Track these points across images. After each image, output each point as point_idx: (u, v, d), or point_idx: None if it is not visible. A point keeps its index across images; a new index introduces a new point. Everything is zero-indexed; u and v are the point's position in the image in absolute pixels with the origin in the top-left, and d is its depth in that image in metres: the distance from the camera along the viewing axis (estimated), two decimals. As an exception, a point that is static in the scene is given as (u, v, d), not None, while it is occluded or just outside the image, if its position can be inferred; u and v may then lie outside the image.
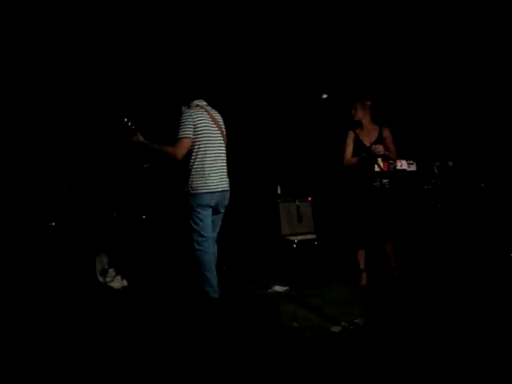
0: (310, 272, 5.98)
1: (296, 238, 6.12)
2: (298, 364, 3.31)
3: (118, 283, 5.62)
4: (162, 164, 5.50)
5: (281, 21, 6.54)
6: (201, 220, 4.52)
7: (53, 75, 6.38)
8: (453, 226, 5.14)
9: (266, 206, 6.69)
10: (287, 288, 5.74)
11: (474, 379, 3.05)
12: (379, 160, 5.22)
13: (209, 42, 6.66)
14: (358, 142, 5.59)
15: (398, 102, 6.48)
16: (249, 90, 7.09)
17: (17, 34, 5.95)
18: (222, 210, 4.73)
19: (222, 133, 4.71)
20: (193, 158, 4.52)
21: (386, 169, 5.21)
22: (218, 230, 4.80)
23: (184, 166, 4.57)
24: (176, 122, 4.57)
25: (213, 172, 4.53)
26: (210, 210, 4.58)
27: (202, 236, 4.53)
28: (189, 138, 4.48)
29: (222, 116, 4.81)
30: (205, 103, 4.72)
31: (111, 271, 5.64)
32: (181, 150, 4.47)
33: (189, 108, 4.63)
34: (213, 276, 4.53)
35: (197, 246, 4.52)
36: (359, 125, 5.64)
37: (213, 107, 4.76)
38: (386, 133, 5.56)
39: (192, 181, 4.51)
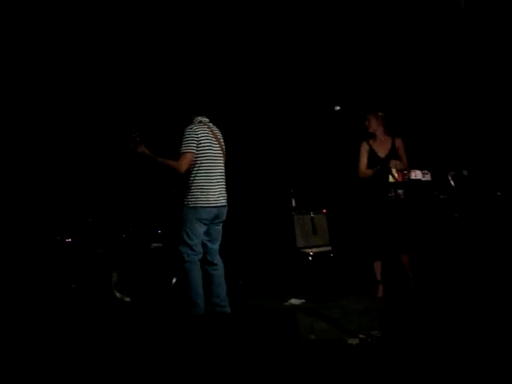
0: (326, 284, 5.94)
1: (311, 251, 6.10)
2: (315, 377, 3.29)
3: (132, 298, 5.62)
4: (163, 178, 5.57)
5: (295, 34, 6.56)
6: (194, 234, 4.61)
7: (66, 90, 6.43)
8: (470, 236, 5.10)
9: (280, 219, 6.69)
10: (303, 301, 5.72)
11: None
12: (394, 171, 5.21)
13: (218, 55, 6.68)
14: (372, 153, 5.60)
15: (412, 112, 6.45)
16: (265, 102, 7.12)
17: (21, 42, 6.00)
18: (220, 224, 4.81)
19: (222, 149, 4.82)
20: (194, 172, 4.63)
21: (400, 179, 5.20)
22: (218, 242, 4.85)
23: (185, 181, 4.68)
24: (179, 137, 4.67)
25: (213, 187, 4.65)
26: (205, 226, 4.66)
27: (193, 250, 4.61)
28: (192, 153, 4.59)
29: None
30: (207, 120, 4.83)
31: (127, 286, 5.64)
32: (184, 165, 4.57)
33: (192, 124, 4.72)
34: (199, 291, 4.57)
35: (186, 258, 4.60)
36: (372, 136, 5.64)
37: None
38: (399, 143, 5.56)
39: (193, 195, 4.62)
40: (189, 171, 4.63)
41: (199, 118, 4.78)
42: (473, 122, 6.13)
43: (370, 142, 5.61)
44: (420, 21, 6.21)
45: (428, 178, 5.13)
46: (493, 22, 5.82)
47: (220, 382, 2.95)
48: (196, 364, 3.07)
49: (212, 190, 4.64)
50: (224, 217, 4.80)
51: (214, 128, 4.84)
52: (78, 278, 5.64)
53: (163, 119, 6.37)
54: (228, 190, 4.88)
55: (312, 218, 6.37)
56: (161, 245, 5.87)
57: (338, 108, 5.18)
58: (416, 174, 5.09)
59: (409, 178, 5.13)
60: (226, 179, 4.86)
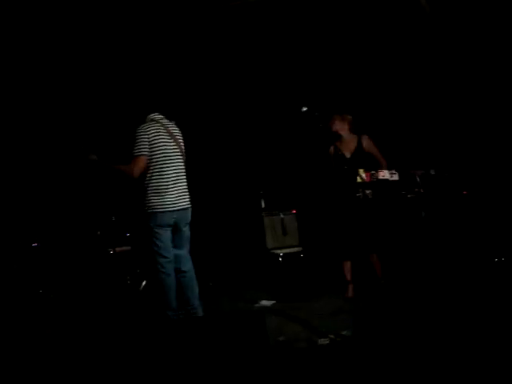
0: (296, 285, 5.94)
1: (282, 252, 6.09)
2: (286, 379, 3.28)
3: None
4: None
5: (263, 32, 6.53)
6: (160, 241, 4.43)
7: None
8: (437, 234, 5.15)
9: (250, 220, 6.68)
10: (274, 302, 5.72)
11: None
12: (361, 171, 5.22)
13: (182, 52, 6.60)
14: (336, 154, 5.62)
15: (379, 110, 6.50)
16: (234, 102, 7.08)
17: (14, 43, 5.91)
18: (184, 228, 4.58)
19: (179, 147, 4.57)
20: (149, 175, 4.41)
21: (368, 179, 5.20)
22: (187, 246, 4.67)
23: (142, 185, 4.47)
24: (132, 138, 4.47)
25: (170, 190, 4.41)
26: (169, 229, 4.46)
27: (164, 257, 4.44)
28: (144, 155, 4.36)
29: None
30: (161, 117, 4.58)
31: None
32: (136, 169, 4.35)
33: (144, 123, 4.49)
34: (173, 299, 4.46)
35: (160, 268, 4.43)
36: (337, 137, 5.65)
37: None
38: (366, 141, 5.57)
39: (149, 200, 4.41)
40: (144, 174, 4.40)
41: (151, 116, 4.54)
42: (440, 121, 6.20)
43: (337, 143, 5.64)
44: (383, 19, 6.25)
45: (396, 177, 5.16)
46: (457, 22, 5.90)
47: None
48: (166, 368, 3.04)
49: (168, 192, 4.39)
50: (187, 220, 4.58)
51: (170, 125, 4.60)
52: (46, 284, 5.55)
53: (116, 120, 6.22)
54: (196, 190, 4.75)
55: (282, 218, 6.37)
56: (129, 248, 5.80)
57: (306, 109, 5.19)
58: (384, 174, 5.11)
59: (376, 178, 5.15)
60: (193, 180, 4.69)
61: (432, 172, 5.24)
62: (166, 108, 4.67)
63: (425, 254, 5.16)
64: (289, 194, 6.95)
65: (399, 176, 5.16)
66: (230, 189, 7.01)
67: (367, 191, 5.32)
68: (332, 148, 5.67)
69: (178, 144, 4.56)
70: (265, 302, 5.70)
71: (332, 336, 4.23)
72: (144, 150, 4.36)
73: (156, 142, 4.40)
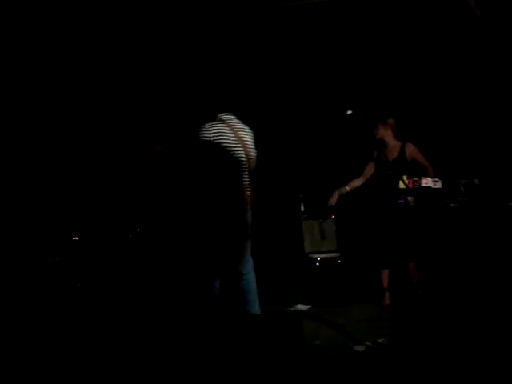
0: (333, 291, 5.90)
1: (319, 256, 6.06)
2: (321, 382, 3.25)
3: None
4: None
5: (308, 33, 6.52)
6: None
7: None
8: (479, 246, 5.05)
9: (289, 224, 6.65)
10: (310, 306, 5.70)
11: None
12: (404, 177, 5.15)
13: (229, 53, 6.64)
14: (379, 159, 5.57)
15: (424, 118, 6.42)
16: (276, 106, 7.08)
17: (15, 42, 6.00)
18: None
19: (245, 150, 4.51)
20: None
21: (411, 186, 5.14)
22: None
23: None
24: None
25: None
26: None
27: None
28: None
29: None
30: (230, 117, 4.55)
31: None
32: None
33: (210, 122, 4.48)
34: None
35: None
36: (382, 144, 5.60)
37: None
38: (410, 148, 5.50)
39: None
40: None
41: (221, 116, 4.52)
42: (485, 130, 6.09)
43: (381, 150, 5.59)
44: (434, 26, 6.17)
45: (439, 185, 5.09)
46: (508, 28, 5.78)
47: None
48: (200, 366, 3.04)
49: None
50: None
51: (239, 127, 4.56)
52: (83, 277, 5.61)
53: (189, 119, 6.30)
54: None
55: (321, 223, 6.33)
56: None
57: (350, 112, 5.15)
58: (427, 182, 5.05)
59: (419, 185, 5.09)
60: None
61: (476, 181, 5.14)
62: (236, 109, 4.63)
63: (466, 264, 5.06)
64: (328, 198, 6.89)
65: (442, 184, 5.09)
66: (270, 192, 6.98)
67: (409, 198, 5.24)
68: (375, 153, 5.63)
69: (243, 146, 4.50)
70: (301, 306, 5.68)
71: (368, 343, 4.19)
72: None
73: (217, 141, 4.34)
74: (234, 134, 4.49)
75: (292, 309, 5.63)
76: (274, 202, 7.05)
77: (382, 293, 5.57)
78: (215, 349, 3.10)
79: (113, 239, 5.85)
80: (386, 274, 5.55)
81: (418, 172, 5.34)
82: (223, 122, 4.51)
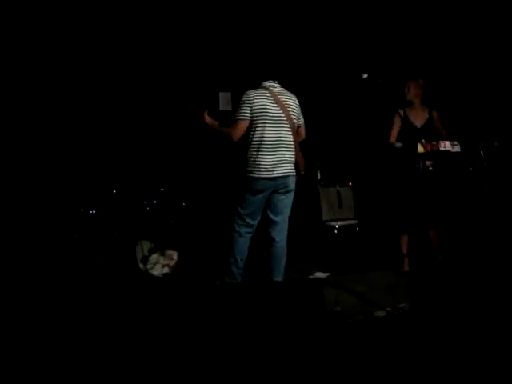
0: (351, 258, 5.88)
1: (337, 224, 6.04)
2: (343, 349, 3.25)
3: (158, 270, 5.62)
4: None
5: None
6: (247, 205, 4.46)
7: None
8: (499, 209, 4.99)
9: (306, 192, 6.60)
10: (329, 274, 5.68)
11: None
12: (423, 140, 5.07)
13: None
14: (406, 122, 5.43)
15: (441, 80, 6.28)
16: (286, 71, 6.97)
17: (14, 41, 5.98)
18: (281, 197, 4.54)
19: (288, 117, 4.48)
20: (248, 141, 4.42)
21: (429, 150, 5.06)
22: (284, 215, 4.64)
23: (243, 149, 4.50)
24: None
25: (267, 157, 4.36)
26: (261, 196, 4.44)
27: (245, 221, 4.48)
28: (244, 120, 4.36)
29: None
30: (273, 84, 4.54)
31: (152, 258, 5.64)
32: (235, 132, 4.37)
33: (252, 89, 4.47)
34: (234, 262, 4.50)
35: (236, 227, 4.49)
36: (409, 104, 5.49)
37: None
38: (436, 115, 5.41)
39: (246, 164, 4.45)
40: (244, 139, 4.42)
41: (265, 83, 4.51)
42: (505, 93, 5.96)
43: (407, 110, 5.47)
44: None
45: (457, 149, 5.01)
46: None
47: (244, 350, 2.93)
48: (219, 333, 3.05)
49: (265, 159, 4.35)
50: (287, 188, 4.52)
51: (283, 94, 4.54)
52: (102, 250, 5.64)
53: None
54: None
55: (338, 190, 6.29)
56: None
57: (366, 76, 5.03)
58: (445, 145, 4.98)
59: (438, 148, 5.01)
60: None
61: (495, 144, 5.06)
62: (280, 76, 4.63)
63: (486, 229, 5.01)
64: (345, 165, 6.84)
65: (461, 147, 5.01)
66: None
67: (428, 162, 5.17)
68: (402, 113, 5.47)
69: (285, 112, 4.48)
70: (319, 274, 5.66)
71: (388, 309, 4.18)
72: (244, 114, 4.37)
73: (258, 108, 4.37)
74: (276, 101, 4.46)
75: (311, 276, 5.62)
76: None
77: (400, 259, 5.54)
78: (240, 317, 3.10)
79: (130, 210, 5.86)
80: (405, 239, 5.51)
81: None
82: (266, 89, 4.49)
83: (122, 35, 6.25)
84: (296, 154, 4.58)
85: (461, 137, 5.11)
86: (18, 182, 5.83)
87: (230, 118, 4.48)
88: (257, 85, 4.53)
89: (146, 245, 5.64)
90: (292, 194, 4.63)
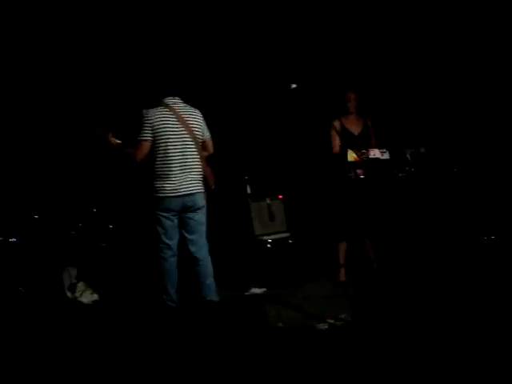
0: (286, 271, 5.80)
1: (269, 238, 5.95)
2: (289, 365, 3.14)
3: (87, 298, 5.35)
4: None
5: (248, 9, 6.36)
6: (161, 226, 4.39)
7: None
8: (430, 212, 5.07)
9: (236, 207, 6.50)
10: (265, 289, 5.59)
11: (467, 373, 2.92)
12: (354, 149, 5.09)
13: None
14: (344, 131, 5.50)
15: (368, 89, 6.36)
16: (216, 84, 6.88)
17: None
18: (191, 214, 4.44)
19: (190, 134, 4.41)
20: (152, 160, 4.36)
21: (359, 158, 5.08)
22: (200, 232, 4.53)
23: (148, 169, 4.41)
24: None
25: (172, 175, 4.30)
26: (172, 215, 4.37)
27: (163, 243, 4.40)
28: (146, 140, 4.30)
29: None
30: (174, 101, 4.46)
31: (80, 285, 5.38)
32: (139, 153, 4.31)
33: (154, 108, 4.41)
34: (169, 284, 4.41)
35: (159, 252, 4.42)
36: (344, 114, 5.56)
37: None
38: (370, 124, 5.60)
39: (152, 184, 4.38)
40: (148, 159, 4.34)
41: (166, 100, 4.44)
42: (429, 100, 6.12)
43: (342, 120, 5.53)
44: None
45: (386, 156, 5.06)
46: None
47: (192, 370, 2.79)
48: (166, 356, 2.90)
49: (170, 178, 4.29)
50: (196, 205, 4.42)
51: (184, 110, 4.46)
52: (25, 281, 5.32)
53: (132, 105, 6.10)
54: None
55: (268, 204, 6.21)
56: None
57: (295, 86, 4.99)
58: (374, 153, 5.01)
59: (367, 157, 5.03)
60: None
61: (422, 150, 5.14)
62: (181, 92, 4.55)
63: (418, 233, 5.07)
64: (274, 178, 6.78)
65: (390, 155, 5.06)
66: (214, 175, 6.83)
67: (359, 171, 5.18)
68: (337, 124, 5.52)
69: (188, 129, 4.41)
70: (256, 290, 5.57)
71: (331, 320, 4.11)
72: (146, 135, 4.30)
73: (159, 127, 4.30)
74: (178, 119, 4.39)
75: (247, 293, 5.51)
76: (220, 185, 6.87)
77: (337, 269, 5.53)
78: (184, 337, 2.93)
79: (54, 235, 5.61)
80: (343, 248, 5.52)
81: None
82: (166, 106, 4.42)
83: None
84: (204, 170, 4.54)
85: (388, 144, 5.17)
86: None
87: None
88: (158, 102, 4.46)
89: (73, 271, 5.37)
90: (203, 210, 4.54)
